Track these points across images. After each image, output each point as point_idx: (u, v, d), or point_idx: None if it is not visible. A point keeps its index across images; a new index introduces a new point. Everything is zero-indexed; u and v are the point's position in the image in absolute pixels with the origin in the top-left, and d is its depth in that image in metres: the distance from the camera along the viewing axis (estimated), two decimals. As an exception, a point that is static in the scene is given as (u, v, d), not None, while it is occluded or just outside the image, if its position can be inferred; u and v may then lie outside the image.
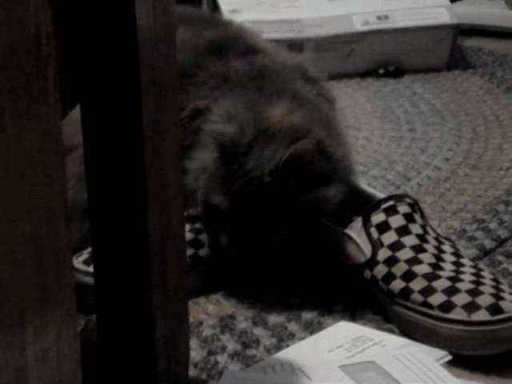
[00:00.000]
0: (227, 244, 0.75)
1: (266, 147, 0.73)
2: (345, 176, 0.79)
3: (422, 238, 0.74)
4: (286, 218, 0.74)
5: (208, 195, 0.75)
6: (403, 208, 0.75)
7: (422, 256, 0.72)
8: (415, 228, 0.74)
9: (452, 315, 0.68)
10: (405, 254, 0.72)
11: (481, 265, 0.75)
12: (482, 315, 0.67)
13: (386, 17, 1.54)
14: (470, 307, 0.67)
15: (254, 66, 0.81)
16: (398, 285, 0.71)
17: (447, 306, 0.68)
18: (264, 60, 0.83)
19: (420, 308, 0.70)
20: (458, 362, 0.66)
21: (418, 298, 0.70)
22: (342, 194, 0.76)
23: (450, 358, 0.65)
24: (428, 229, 0.75)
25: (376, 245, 0.74)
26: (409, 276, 0.71)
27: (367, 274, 0.75)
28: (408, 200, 0.76)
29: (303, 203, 0.74)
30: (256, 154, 0.73)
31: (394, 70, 1.53)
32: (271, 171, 0.72)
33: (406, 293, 0.71)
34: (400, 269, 0.72)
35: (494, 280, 0.71)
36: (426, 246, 0.73)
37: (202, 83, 0.80)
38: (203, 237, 0.80)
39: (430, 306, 0.69)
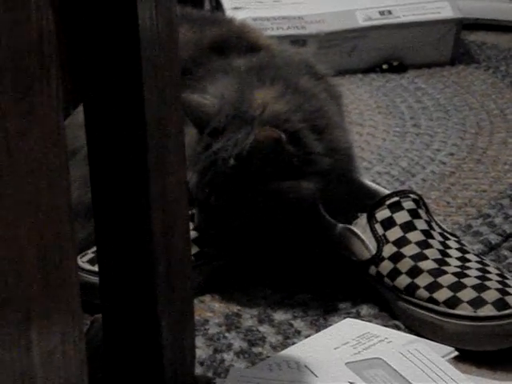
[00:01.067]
0: (197, 223, 0.76)
1: (240, 129, 0.73)
2: (343, 172, 0.79)
3: (427, 233, 0.74)
4: (250, 205, 0.73)
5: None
6: (408, 204, 0.75)
7: (427, 252, 0.72)
8: (420, 224, 0.74)
9: (458, 311, 0.67)
10: (410, 250, 0.72)
11: (486, 260, 0.74)
12: (488, 310, 0.66)
13: (389, 12, 1.54)
14: (476, 302, 0.67)
15: (255, 61, 0.81)
16: (403, 281, 0.71)
17: (453, 302, 0.68)
18: (266, 55, 0.83)
19: (426, 304, 0.69)
20: (465, 358, 0.66)
21: (424, 293, 0.70)
22: (317, 189, 0.74)
23: (456, 354, 0.65)
24: (433, 224, 0.75)
25: (381, 241, 0.74)
26: (414, 272, 0.71)
27: (372, 270, 0.74)
28: (413, 196, 0.76)
29: (267, 192, 0.73)
30: (228, 135, 0.73)
31: (397, 66, 1.53)
32: (237, 155, 0.72)
33: (411, 289, 0.71)
34: (405, 265, 0.72)
35: (500, 275, 0.71)
36: (431, 241, 0.73)
37: (201, 78, 0.80)
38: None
39: (436, 302, 0.69)
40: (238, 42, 0.83)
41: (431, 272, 0.70)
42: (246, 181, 0.73)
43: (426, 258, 0.71)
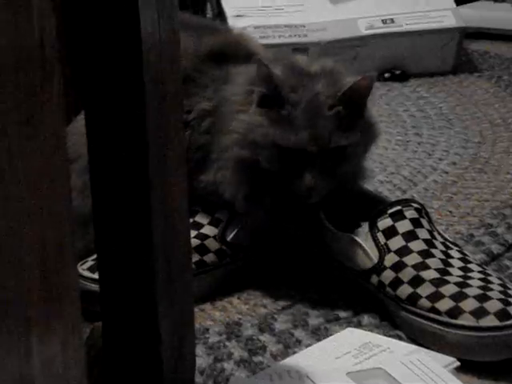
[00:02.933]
0: (311, 184, 0.73)
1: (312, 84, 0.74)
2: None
3: (430, 243, 0.73)
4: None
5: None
6: (410, 213, 0.75)
7: (429, 261, 0.72)
8: (422, 233, 0.74)
9: (460, 321, 0.67)
10: (412, 260, 0.72)
11: (489, 270, 0.74)
12: (490, 321, 0.66)
13: (392, 20, 1.54)
14: (479, 313, 0.67)
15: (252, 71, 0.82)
16: (405, 290, 0.71)
17: (455, 312, 0.67)
18: None
19: (428, 314, 0.69)
20: (467, 369, 0.66)
21: (426, 303, 0.69)
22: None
23: (458, 364, 0.65)
24: (435, 234, 0.75)
25: (383, 250, 0.74)
26: (416, 281, 0.71)
27: (374, 279, 0.74)
28: (415, 205, 0.76)
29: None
30: (302, 91, 0.74)
31: (399, 74, 1.53)
32: (330, 106, 0.73)
33: (413, 298, 0.70)
34: (407, 274, 0.71)
35: (502, 285, 0.70)
36: (433, 251, 0.73)
37: (205, 86, 0.81)
38: (208, 242, 0.80)
39: (438, 312, 0.68)
40: (236, 52, 0.84)
41: (433, 282, 0.70)
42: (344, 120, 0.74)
43: (427, 267, 0.71)
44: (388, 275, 0.73)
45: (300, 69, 0.76)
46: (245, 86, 0.77)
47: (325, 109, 0.73)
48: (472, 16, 1.76)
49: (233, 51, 0.84)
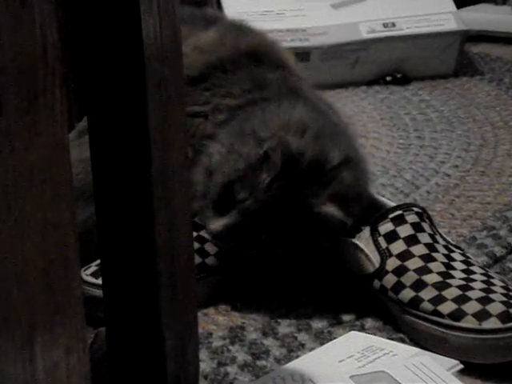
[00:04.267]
0: (217, 232, 0.74)
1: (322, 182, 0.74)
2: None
3: (431, 247, 0.73)
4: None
5: (232, 183, 0.73)
6: (411, 217, 0.75)
7: (431, 265, 0.72)
8: (424, 237, 0.74)
9: (463, 323, 0.67)
10: (414, 264, 0.72)
11: (491, 272, 0.74)
12: (493, 323, 0.66)
13: (393, 24, 1.54)
14: (481, 315, 0.67)
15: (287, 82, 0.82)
16: (407, 294, 0.71)
17: (458, 315, 0.68)
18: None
19: (430, 317, 0.69)
20: (471, 371, 0.66)
21: (428, 306, 0.69)
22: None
23: (461, 367, 0.65)
24: (437, 237, 0.75)
25: (384, 254, 0.74)
26: (418, 285, 0.71)
27: (376, 283, 0.74)
28: (416, 209, 0.76)
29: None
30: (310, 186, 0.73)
31: (401, 78, 1.53)
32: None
33: (415, 302, 0.70)
34: (409, 278, 0.71)
35: (505, 287, 0.70)
36: (435, 254, 0.73)
37: (235, 82, 0.80)
38: (208, 246, 0.80)
39: (441, 315, 0.68)
40: (270, 55, 0.84)
41: (436, 285, 0.70)
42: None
43: (430, 271, 0.71)
44: (390, 279, 0.73)
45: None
46: (271, 131, 0.75)
47: None
48: (473, 19, 1.76)
49: (268, 54, 0.83)
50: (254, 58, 0.82)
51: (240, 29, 0.86)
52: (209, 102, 0.80)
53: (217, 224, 0.74)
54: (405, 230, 0.74)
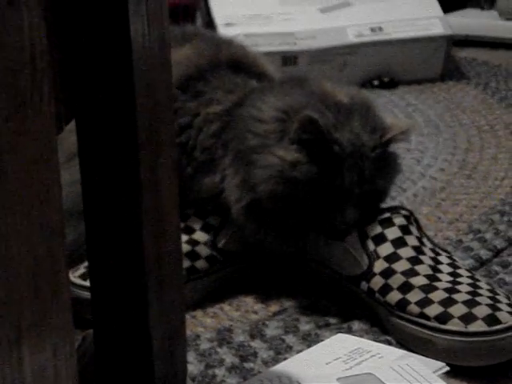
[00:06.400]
0: (347, 218, 0.74)
1: (353, 123, 0.75)
2: None
3: (418, 249, 0.74)
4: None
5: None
6: (399, 220, 0.75)
7: (418, 268, 0.72)
8: (411, 240, 0.74)
9: (449, 326, 0.68)
10: (401, 266, 0.73)
11: (478, 275, 0.75)
12: (478, 326, 0.67)
13: (380, 28, 1.55)
14: (467, 318, 0.67)
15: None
16: (394, 296, 0.72)
17: (444, 317, 0.68)
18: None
19: (417, 319, 0.70)
20: (456, 373, 0.66)
21: (415, 309, 0.70)
22: None
23: (447, 369, 0.65)
24: (424, 240, 0.76)
25: (372, 257, 0.74)
26: (405, 288, 0.71)
27: (364, 285, 0.75)
28: (403, 212, 0.77)
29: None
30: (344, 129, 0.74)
31: (388, 82, 1.54)
32: (373, 147, 0.74)
33: (402, 304, 0.71)
34: (397, 280, 0.72)
35: (491, 291, 0.71)
36: (422, 257, 0.73)
37: (216, 87, 0.81)
38: (199, 249, 0.80)
39: (427, 317, 0.69)
40: (250, 66, 0.84)
41: (422, 288, 0.70)
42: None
43: (417, 274, 0.72)
44: (377, 281, 0.73)
45: (335, 102, 0.76)
46: (272, 112, 0.76)
47: (368, 151, 0.74)
48: (460, 24, 1.77)
49: (247, 64, 0.84)
50: (233, 68, 0.83)
51: (219, 43, 0.86)
52: (198, 113, 0.80)
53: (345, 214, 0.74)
54: (392, 233, 0.74)
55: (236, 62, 0.83)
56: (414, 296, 0.70)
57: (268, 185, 0.74)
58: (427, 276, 0.71)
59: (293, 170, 0.73)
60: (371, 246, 0.74)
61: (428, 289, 0.70)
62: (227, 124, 0.79)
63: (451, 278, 0.72)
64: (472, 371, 0.67)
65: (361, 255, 0.75)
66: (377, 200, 0.77)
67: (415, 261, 0.73)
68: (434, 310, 0.69)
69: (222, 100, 0.80)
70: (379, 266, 0.73)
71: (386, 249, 0.74)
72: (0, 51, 0.38)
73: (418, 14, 1.58)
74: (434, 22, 1.57)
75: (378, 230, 0.75)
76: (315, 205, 0.73)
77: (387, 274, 0.73)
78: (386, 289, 0.72)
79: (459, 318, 0.67)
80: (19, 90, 0.39)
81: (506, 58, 1.72)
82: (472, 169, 1.13)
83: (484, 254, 0.87)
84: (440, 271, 0.72)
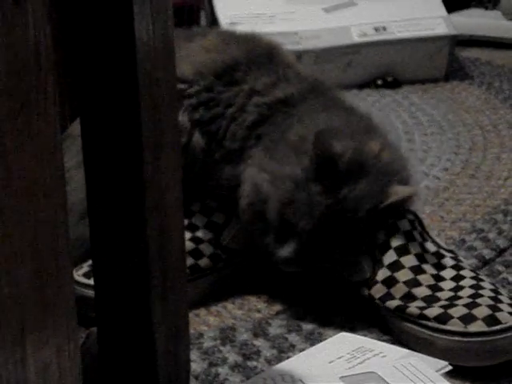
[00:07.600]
0: (286, 259, 0.73)
1: (361, 179, 0.73)
2: None
3: (421, 257, 0.73)
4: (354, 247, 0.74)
5: (286, 208, 0.73)
6: (403, 225, 0.74)
7: (420, 278, 0.72)
8: (414, 247, 0.74)
9: (448, 326, 0.67)
10: (404, 276, 0.72)
11: (482, 275, 0.74)
12: (478, 326, 0.66)
13: (384, 28, 1.55)
14: (467, 318, 0.67)
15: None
16: (395, 303, 0.71)
17: (444, 318, 0.68)
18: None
19: (417, 320, 0.69)
20: (459, 373, 0.66)
21: (415, 310, 0.70)
22: None
23: (450, 368, 0.65)
24: (427, 244, 0.74)
25: (377, 265, 0.73)
26: (408, 298, 0.71)
27: (365, 291, 0.74)
28: (409, 216, 0.75)
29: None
30: (351, 184, 0.73)
31: (391, 81, 1.54)
32: (368, 210, 0.73)
33: (402, 308, 0.71)
34: (399, 290, 0.71)
35: (494, 291, 0.70)
36: (424, 266, 0.72)
37: (258, 78, 0.80)
38: (203, 247, 0.80)
39: (427, 318, 0.69)
40: (281, 57, 0.84)
41: (425, 299, 0.70)
42: (366, 231, 0.73)
43: (419, 284, 0.71)
44: (379, 289, 0.72)
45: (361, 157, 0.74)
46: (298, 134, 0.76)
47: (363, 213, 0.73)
48: (463, 24, 1.77)
49: (279, 55, 0.84)
50: (267, 59, 0.82)
51: (239, 36, 0.86)
52: (231, 104, 0.80)
53: (284, 251, 0.74)
54: (396, 240, 0.73)
55: (269, 53, 0.83)
56: (416, 304, 0.70)
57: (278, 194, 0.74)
58: (429, 286, 0.71)
59: (299, 199, 0.73)
60: (378, 254, 0.74)
61: (430, 299, 0.70)
62: (267, 118, 0.79)
63: (454, 284, 0.71)
64: (475, 370, 0.67)
65: (369, 264, 0.74)
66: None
67: (418, 270, 0.72)
68: (434, 311, 0.69)
69: (265, 93, 0.80)
70: (382, 274, 0.73)
71: (389, 257, 0.73)
72: (5, 50, 0.38)
73: (422, 13, 1.58)
74: (437, 22, 1.57)
75: (383, 237, 0.74)
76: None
77: (390, 282, 0.72)
78: (387, 297, 0.72)
79: (459, 318, 0.67)
80: (24, 90, 0.39)
81: (510, 57, 1.72)
82: (475, 168, 1.13)
83: (487, 253, 0.86)
84: (443, 279, 0.72)
